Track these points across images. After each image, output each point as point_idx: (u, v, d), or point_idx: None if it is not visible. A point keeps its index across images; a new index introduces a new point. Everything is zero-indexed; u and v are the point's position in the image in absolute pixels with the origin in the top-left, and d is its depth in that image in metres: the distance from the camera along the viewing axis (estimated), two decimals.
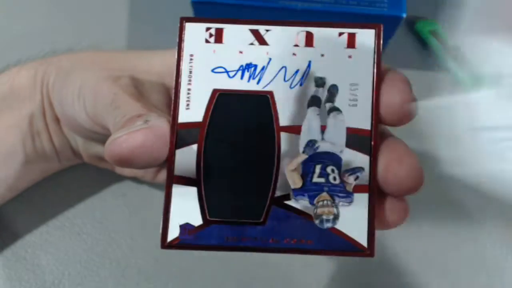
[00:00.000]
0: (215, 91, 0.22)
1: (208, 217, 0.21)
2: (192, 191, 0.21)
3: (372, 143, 0.21)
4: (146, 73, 0.27)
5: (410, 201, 0.25)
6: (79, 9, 0.41)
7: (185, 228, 0.21)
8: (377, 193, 0.21)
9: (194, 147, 0.21)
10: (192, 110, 0.22)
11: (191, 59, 0.22)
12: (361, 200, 0.21)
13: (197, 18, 0.22)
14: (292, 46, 0.22)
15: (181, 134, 0.22)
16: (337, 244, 0.21)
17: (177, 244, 0.21)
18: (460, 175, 0.19)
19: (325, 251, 0.21)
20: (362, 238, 0.21)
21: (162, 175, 0.31)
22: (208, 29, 0.22)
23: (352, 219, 0.21)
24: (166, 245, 0.21)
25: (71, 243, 0.33)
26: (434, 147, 0.27)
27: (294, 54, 0.22)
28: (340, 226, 0.21)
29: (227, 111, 0.22)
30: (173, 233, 0.21)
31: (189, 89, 0.22)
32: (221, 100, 0.22)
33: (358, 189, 0.21)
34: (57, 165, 0.32)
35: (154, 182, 0.32)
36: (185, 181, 0.21)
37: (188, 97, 0.22)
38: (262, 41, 0.22)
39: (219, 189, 0.21)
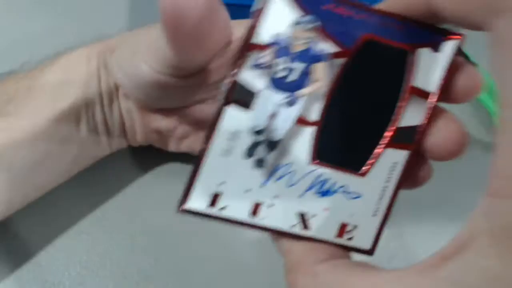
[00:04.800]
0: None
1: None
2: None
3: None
4: None
5: (411, 202, 0.25)
6: (79, 10, 0.41)
7: None
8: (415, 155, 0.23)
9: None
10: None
11: None
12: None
13: None
14: None
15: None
16: None
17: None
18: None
19: None
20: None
21: (186, 143, 0.33)
22: None
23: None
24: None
25: (71, 243, 0.33)
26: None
27: None
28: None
29: None
30: None
31: None
32: None
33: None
34: (107, 149, 0.33)
35: (175, 150, 0.33)
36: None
37: None
38: None
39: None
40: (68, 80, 0.30)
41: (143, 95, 0.30)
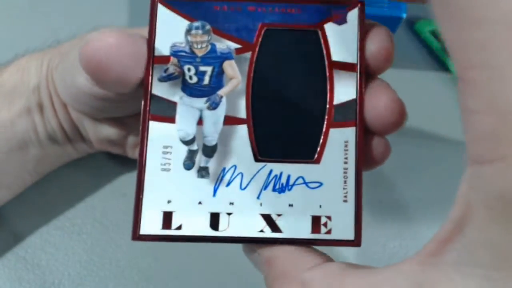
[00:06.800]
0: None
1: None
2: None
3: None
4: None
5: (411, 201, 0.25)
6: (79, 10, 0.41)
7: None
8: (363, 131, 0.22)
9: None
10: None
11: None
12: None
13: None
14: None
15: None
16: None
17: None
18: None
19: None
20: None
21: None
22: None
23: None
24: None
25: (71, 243, 0.33)
26: (435, 148, 0.26)
27: None
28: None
29: None
30: None
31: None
32: None
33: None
34: (73, 152, 0.32)
35: (133, 157, 0.32)
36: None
37: None
38: None
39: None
40: (23, 82, 0.29)
41: (84, 107, 0.29)
